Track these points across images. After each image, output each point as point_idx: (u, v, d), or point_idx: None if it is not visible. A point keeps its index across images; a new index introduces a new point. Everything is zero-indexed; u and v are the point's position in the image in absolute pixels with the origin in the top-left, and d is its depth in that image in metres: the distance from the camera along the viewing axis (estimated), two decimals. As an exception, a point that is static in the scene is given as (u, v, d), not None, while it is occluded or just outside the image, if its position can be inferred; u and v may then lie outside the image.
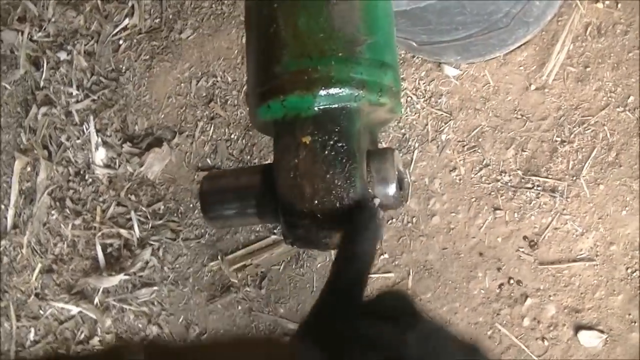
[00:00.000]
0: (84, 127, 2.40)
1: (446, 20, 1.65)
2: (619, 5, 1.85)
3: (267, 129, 0.86)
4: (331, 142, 0.77)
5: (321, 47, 0.79)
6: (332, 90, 0.78)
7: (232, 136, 2.24)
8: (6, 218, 2.49)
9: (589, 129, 1.85)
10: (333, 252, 1.96)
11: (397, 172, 0.81)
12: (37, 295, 2.41)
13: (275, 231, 2.15)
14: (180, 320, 2.23)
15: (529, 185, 1.88)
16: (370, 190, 0.79)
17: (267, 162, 0.87)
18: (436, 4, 1.51)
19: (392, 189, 0.80)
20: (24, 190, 2.47)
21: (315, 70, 0.78)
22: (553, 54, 1.88)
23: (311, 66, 0.78)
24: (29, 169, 2.49)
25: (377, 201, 0.80)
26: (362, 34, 0.82)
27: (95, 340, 2.31)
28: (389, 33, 0.86)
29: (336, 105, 0.79)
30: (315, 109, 0.78)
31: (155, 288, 2.27)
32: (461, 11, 1.60)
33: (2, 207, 2.50)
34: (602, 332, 1.79)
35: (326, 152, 0.77)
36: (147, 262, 2.27)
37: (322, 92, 0.78)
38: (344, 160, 0.77)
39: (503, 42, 1.87)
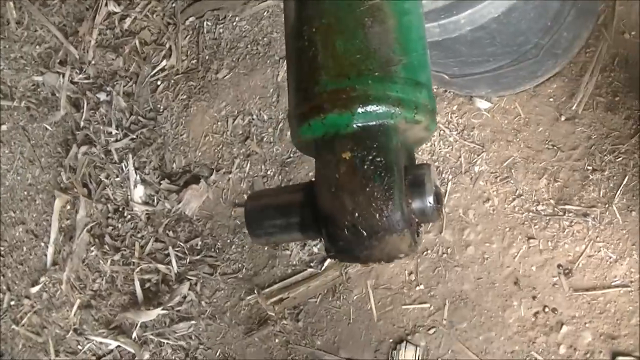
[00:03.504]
0: (122, 165, 2.49)
1: (477, 52, 1.72)
2: (646, 36, 1.91)
3: (308, 148, 0.91)
4: (370, 157, 0.81)
5: (358, 67, 0.84)
6: (370, 108, 0.83)
7: (269, 172, 2.32)
8: (46, 255, 2.56)
9: (619, 157, 1.90)
10: (369, 286, 2.02)
11: (434, 186, 0.85)
12: (75, 330, 2.48)
13: (312, 264, 2.21)
14: (218, 354, 2.29)
15: (562, 214, 1.93)
16: (408, 203, 0.83)
17: (307, 181, 0.88)
18: (467, 34, 1.57)
19: (429, 202, 0.84)
20: (64, 227, 2.56)
21: (353, 89, 0.83)
22: (582, 84, 1.95)
23: (349, 85, 0.83)
24: (68, 207, 2.59)
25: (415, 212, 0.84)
26: (397, 54, 0.87)
27: None
28: (422, 54, 0.92)
29: (374, 123, 0.84)
30: (354, 126, 0.83)
31: (193, 322, 2.33)
32: (492, 42, 1.66)
33: (42, 244, 2.58)
34: (639, 358, 1.80)
35: (365, 167, 0.81)
36: (184, 297, 2.33)
37: (360, 110, 0.83)
38: (382, 174, 0.81)
39: (533, 73, 1.93)
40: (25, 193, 2.72)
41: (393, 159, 0.83)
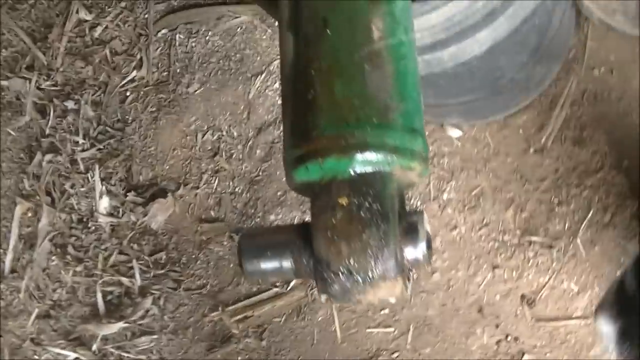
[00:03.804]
0: (88, 175, 2.48)
1: (456, 85, 1.76)
2: (614, 73, 1.97)
3: (303, 189, 0.92)
4: (366, 204, 0.82)
5: (357, 114, 0.85)
6: (368, 155, 0.84)
7: (237, 189, 2.33)
8: (4, 262, 2.51)
9: (585, 191, 1.96)
10: (334, 308, 2.04)
11: (426, 233, 0.86)
12: (32, 340, 2.45)
13: (277, 284, 2.21)
14: None
15: (527, 245, 1.97)
16: (402, 250, 0.85)
17: (303, 222, 0.89)
18: (449, 70, 1.61)
19: (422, 248, 0.85)
20: (24, 235, 2.53)
21: (352, 135, 0.84)
22: (552, 118, 2.00)
23: (348, 131, 0.84)
24: (29, 214, 2.55)
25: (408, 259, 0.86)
26: (394, 101, 0.88)
27: None
28: (417, 100, 0.93)
29: (371, 169, 0.85)
30: (351, 172, 0.84)
31: (155, 337, 2.32)
32: (471, 77, 1.71)
33: (1, 251, 2.53)
34: None
35: (362, 213, 0.82)
36: (147, 311, 2.32)
37: (359, 157, 0.83)
38: (379, 222, 0.82)
39: (505, 105, 1.98)
40: (-16, 198, 2.65)
41: (389, 206, 0.84)
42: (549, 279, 1.97)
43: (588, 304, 1.93)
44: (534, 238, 1.99)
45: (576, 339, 1.93)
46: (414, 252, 0.85)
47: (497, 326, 1.99)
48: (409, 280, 0.87)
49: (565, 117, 2.00)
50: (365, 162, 0.84)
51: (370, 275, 0.82)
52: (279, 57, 2.32)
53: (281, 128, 2.28)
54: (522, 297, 1.99)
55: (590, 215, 1.95)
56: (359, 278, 0.82)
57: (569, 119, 2.00)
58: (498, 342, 1.98)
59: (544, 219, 1.99)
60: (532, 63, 1.83)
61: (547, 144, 2.03)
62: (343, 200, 0.83)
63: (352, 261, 0.81)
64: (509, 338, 1.97)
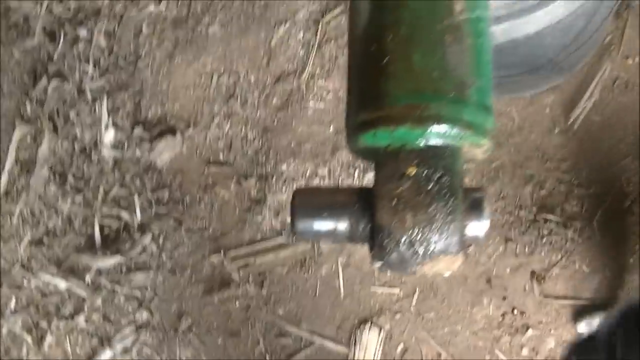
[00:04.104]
0: (95, 105, 2.29)
1: (496, 60, 1.57)
2: (648, 64, 1.83)
3: (363, 153, 0.84)
4: (436, 177, 0.75)
5: (435, 86, 0.77)
6: (442, 129, 0.76)
7: (249, 135, 2.15)
8: (-2, 185, 2.27)
9: (606, 176, 1.84)
10: (339, 263, 1.86)
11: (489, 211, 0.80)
12: (22, 265, 2.25)
13: (283, 233, 2.02)
14: (173, 309, 2.15)
15: (543, 222, 1.83)
16: (465, 226, 0.77)
17: (363, 186, 0.80)
18: (496, 44, 1.43)
19: (485, 226, 0.77)
20: (22, 160, 2.33)
21: (427, 107, 0.76)
22: (581, 101, 1.89)
23: (424, 102, 0.76)
24: (29, 139, 2.33)
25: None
26: (471, 76, 0.79)
27: (80, 318, 2.17)
28: (490, 79, 0.85)
29: (441, 142, 0.77)
30: (422, 143, 0.76)
31: (151, 274, 2.20)
32: (514, 53, 1.63)
33: (-5, 173, 2.29)
34: None
35: (430, 186, 0.75)
36: (145, 248, 2.18)
37: (433, 129, 0.76)
38: (447, 196, 0.74)
39: (536, 84, 1.84)
40: (-18, 117, 2.40)
41: (458, 181, 0.77)
42: (561, 258, 1.87)
43: (598, 287, 1.85)
44: (550, 216, 1.87)
45: None
46: (476, 229, 0.77)
47: (504, 298, 1.89)
48: (465, 256, 0.79)
49: (594, 102, 1.85)
50: (438, 134, 0.76)
51: (432, 249, 0.75)
52: (304, 7, 2.12)
53: (302, 78, 2.11)
54: (532, 273, 1.89)
55: (608, 200, 1.81)
56: (420, 250, 0.74)
57: (598, 104, 1.87)
58: (503, 314, 1.87)
59: (562, 198, 1.87)
60: (574, 47, 1.71)
61: (573, 126, 1.94)
62: (411, 171, 0.75)
63: (415, 233, 0.74)
64: (515, 311, 1.87)
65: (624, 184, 1.85)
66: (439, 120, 0.76)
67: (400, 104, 0.77)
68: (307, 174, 2.10)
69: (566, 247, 1.86)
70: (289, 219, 1.98)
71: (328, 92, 2.14)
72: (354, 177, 2.06)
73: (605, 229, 1.85)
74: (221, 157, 2.20)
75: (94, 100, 2.30)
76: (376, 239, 0.77)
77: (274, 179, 2.12)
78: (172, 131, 2.23)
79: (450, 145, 0.77)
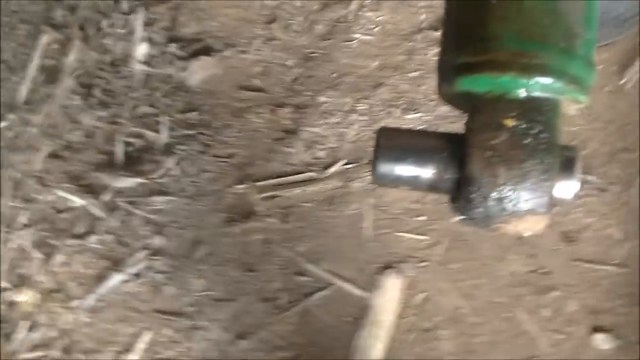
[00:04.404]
0: (131, 17, 2.76)
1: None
2: None
3: (456, 98, 0.99)
4: (534, 131, 0.88)
5: (545, 33, 0.90)
6: (547, 80, 0.89)
7: (288, 62, 2.62)
8: (18, 91, 2.79)
9: None
10: (369, 202, 2.31)
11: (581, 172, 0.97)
12: (37, 178, 2.73)
13: (313, 168, 2.53)
14: (190, 236, 2.61)
15: (581, 183, 2.28)
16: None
17: (452, 133, 0.97)
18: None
19: (575, 188, 0.96)
20: (46, 67, 2.80)
21: (535, 55, 0.89)
22: (637, 61, 2.31)
23: (532, 50, 0.89)
24: (55, 46, 2.80)
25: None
26: (581, 27, 0.92)
27: (93, 238, 2.65)
28: (595, 33, 0.97)
29: (543, 95, 0.90)
30: (524, 94, 0.90)
31: (172, 198, 2.63)
32: None
33: (17, 79, 2.81)
34: (616, 337, 2.24)
35: (528, 140, 0.88)
36: (168, 170, 2.63)
37: (537, 80, 0.89)
38: (544, 153, 0.88)
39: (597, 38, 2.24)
40: (7, 19, 2.90)
41: (556, 139, 0.90)
42: (595, 221, 2.31)
43: (628, 254, 2.28)
44: (589, 177, 2.32)
45: (608, 285, 2.28)
46: (565, 190, 0.94)
47: (531, 256, 2.34)
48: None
49: (651, 64, 2.26)
50: (541, 86, 0.90)
51: (522, 207, 0.89)
52: None
53: (350, 8, 2.56)
54: (563, 233, 2.32)
55: None
56: (509, 207, 0.88)
57: None
58: (529, 272, 2.33)
59: (604, 160, 2.33)
60: None
61: (625, 86, 2.36)
62: (510, 122, 0.88)
63: (507, 188, 0.88)
64: (540, 271, 2.32)
65: (668, 153, 2.24)
66: (545, 71, 0.88)
67: (507, 49, 0.89)
68: (346, 109, 2.57)
69: (601, 210, 2.32)
70: (320, 153, 2.51)
71: (376, 25, 2.60)
72: (394, 116, 2.51)
73: (643, 197, 2.24)
74: (256, 82, 2.66)
75: (130, 11, 2.76)
76: (463, 191, 0.90)
77: (310, 110, 2.58)
78: (207, 51, 2.69)
79: (552, 99, 0.90)
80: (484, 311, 2.33)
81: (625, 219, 2.32)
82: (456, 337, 2.33)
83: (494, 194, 0.88)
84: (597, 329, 2.29)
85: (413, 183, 0.96)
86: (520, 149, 0.88)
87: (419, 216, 2.42)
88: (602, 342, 2.27)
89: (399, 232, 2.44)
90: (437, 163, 0.94)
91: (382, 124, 2.48)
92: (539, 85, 0.90)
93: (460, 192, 0.91)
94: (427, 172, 0.94)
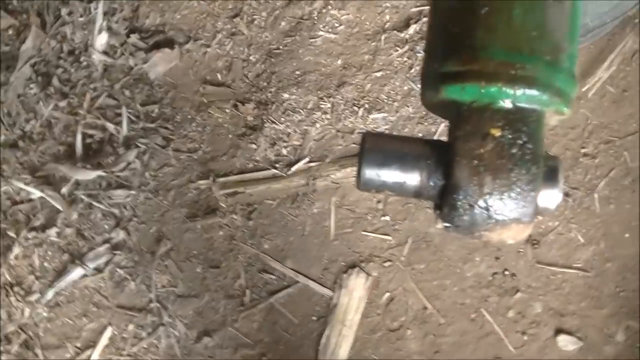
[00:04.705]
0: (91, 6, 2.55)
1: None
2: (671, 42, 2.16)
3: (440, 106, 0.94)
4: (520, 142, 0.84)
5: (532, 46, 0.86)
6: (534, 92, 0.85)
7: (251, 58, 2.45)
8: (-30, 77, 2.56)
9: (612, 149, 2.20)
10: (332, 203, 2.15)
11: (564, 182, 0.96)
12: None
13: (277, 166, 2.36)
14: (152, 230, 2.45)
15: (545, 187, 2.14)
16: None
17: (437, 140, 0.92)
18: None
19: (558, 198, 0.89)
20: (1, 54, 2.53)
21: (523, 67, 0.85)
22: (599, 70, 2.20)
23: (520, 62, 0.85)
24: (11, 32, 2.59)
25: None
26: (565, 41, 0.89)
27: (52, 231, 2.47)
28: (577, 46, 0.95)
29: (529, 106, 0.86)
30: (510, 104, 0.85)
31: (132, 192, 2.49)
32: None
33: (-31, 64, 2.56)
34: (579, 339, 2.21)
35: (514, 150, 0.84)
36: (129, 164, 2.48)
37: (524, 91, 0.85)
38: (530, 163, 0.84)
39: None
40: (-41, 0, 2.66)
41: (540, 149, 0.87)
42: (558, 225, 2.22)
43: (590, 258, 2.23)
44: None
45: (571, 288, 2.25)
46: (548, 199, 0.88)
47: (496, 258, 2.26)
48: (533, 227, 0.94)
49: (611, 73, 2.17)
50: (527, 97, 0.85)
51: (507, 216, 0.85)
52: None
53: (315, 5, 2.36)
54: (528, 236, 2.16)
55: (612, 173, 2.19)
56: (494, 216, 0.85)
57: (615, 75, 2.22)
58: (494, 274, 2.23)
59: (567, 166, 2.27)
60: (609, 16, 1.99)
61: (587, 94, 2.31)
62: (496, 131, 0.84)
63: (493, 197, 0.84)
64: (506, 272, 2.23)
65: (628, 159, 2.22)
66: (532, 83, 0.84)
67: (495, 60, 0.85)
68: (309, 106, 2.42)
69: (565, 214, 2.24)
70: (283, 150, 2.30)
71: (341, 23, 2.46)
72: (357, 115, 2.38)
73: (606, 202, 2.22)
74: (219, 77, 2.52)
75: (90, 0, 2.57)
76: (448, 199, 0.86)
77: (273, 107, 2.45)
78: (169, 43, 2.53)
79: (537, 110, 0.86)
80: (450, 312, 2.25)
81: (587, 223, 2.27)
82: (422, 337, 2.23)
83: (480, 203, 0.84)
84: (561, 331, 2.25)
85: (398, 189, 0.92)
86: (507, 158, 0.84)
87: (383, 216, 2.30)
88: (566, 343, 2.23)
89: (364, 231, 2.28)
90: (422, 170, 0.89)
91: (346, 122, 2.29)
92: (526, 97, 0.85)
93: (445, 199, 0.87)
94: (412, 179, 0.90)
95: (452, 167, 0.85)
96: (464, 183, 0.84)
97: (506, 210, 0.84)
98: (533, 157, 0.85)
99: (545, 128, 0.92)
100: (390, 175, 0.90)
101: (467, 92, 0.86)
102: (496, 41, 0.86)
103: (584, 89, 2.27)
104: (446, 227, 0.89)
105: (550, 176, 0.88)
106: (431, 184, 0.89)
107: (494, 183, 0.83)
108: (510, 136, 0.84)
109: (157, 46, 2.53)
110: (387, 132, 2.37)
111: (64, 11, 2.58)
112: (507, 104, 0.85)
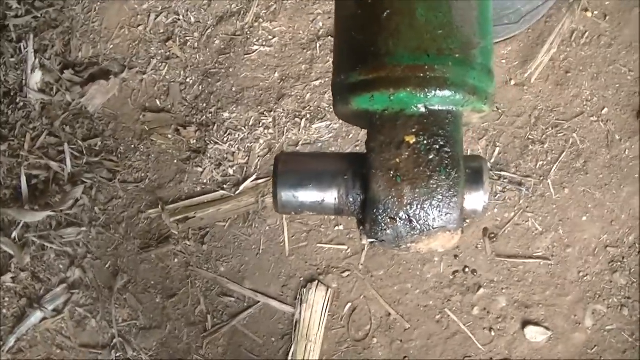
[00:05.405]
0: (21, 45, 2.42)
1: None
2: (607, 18, 2.03)
3: (355, 117, 0.89)
4: (437, 147, 0.80)
5: (439, 45, 0.81)
6: (446, 93, 0.81)
7: (188, 80, 2.33)
8: None
9: (561, 133, 2.07)
10: (285, 218, 2.03)
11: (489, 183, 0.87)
12: None
13: (224, 186, 2.26)
14: (107, 265, 2.35)
15: (497, 179, 2.04)
16: (464, 200, 0.83)
17: (354, 153, 0.89)
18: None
19: (484, 200, 0.85)
20: None
21: (432, 68, 0.80)
22: (539, 54, 2.11)
23: (428, 63, 0.80)
24: None
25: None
26: (476, 36, 0.85)
27: (7, 277, 2.34)
28: (491, 39, 0.90)
29: (443, 108, 0.82)
30: (423, 108, 0.81)
31: (83, 229, 2.37)
32: None
33: None
34: (547, 329, 2.08)
35: (431, 156, 0.80)
36: (77, 200, 2.35)
37: (436, 93, 0.80)
38: (449, 168, 0.80)
39: (495, 34, 1.99)
40: None
41: (460, 151, 0.82)
42: (514, 216, 2.12)
43: (550, 245, 2.11)
44: (504, 173, 2.11)
45: (534, 278, 2.13)
46: (474, 202, 0.84)
47: (455, 257, 2.16)
48: (462, 232, 0.87)
49: (552, 55, 2.06)
50: (440, 99, 0.81)
51: (431, 225, 0.80)
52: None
53: (246, 20, 2.24)
54: (485, 230, 2.13)
55: (563, 157, 2.08)
56: (418, 227, 0.80)
57: (556, 58, 2.12)
58: (455, 272, 2.12)
59: (517, 154, 2.12)
60: None
61: (529, 79, 2.20)
62: (411, 138, 0.80)
63: (414, 208, 0.79)
64: (466, 270, 2.11)
65: (578, 141, 2.08)
66: (443, 84, 0.80)
67: (401, 64, 0.80)
68: (251, 123, 2.27)
69: (520, 204, 2.11)
70: (230, 170, 2.17)
71: (274, 36, 2.32)
72: (300, 126, 2.24)
73: (560, 187, 2.09)
74: (158, 103, 2.39)
75: (19, 39, 2.45)
76: (369, 214, 0.81)
77: (215, 128, 2.32)
78: (105, 74, 2.39)
79: (453, 111, 0.82)
80: (414, 316, 2.13)
81: (543, 210, 2.15)
82: (389, 344, 2.12)
83: (402, 215, 0.79)
84: (528, 323, 2.11)
85: (318, 208, 0.86)
86: (424, 165, 0.79)
87: (337, 226, 2.18)
88: (535, 334, 2.10)
89: (319, 243, 2.16)
90: (340, 186, 0.84)
91: (290, 135, 2.16)
92: (438, 99, 0.80)
93: (366, 214, 0.82)
94: (330, 196, 0.85)
95: (369, 181, 0.81)
96: (382, 196, 0.80)
97: (430, 220, 0.80)
98: (452, 161, 0.80)
99: (464, 129, 0.88)
100: (307, 195, 0.86)
101: (377, 101, 0.82)
102: (401, 45, 0.81)
103: (526, 75, 2.14)
104: (371, 242, 0.84)
105: (474, 178, 0.84)
106: (351, 199, 0.84)
107: (413, 193, 0.79)
108: (426, 142, 0.79)
109: (92, 78, 2.39)
110: (317, 148, 2.25)
111: (-6, 53, 2.45)
112: (419, 108, 0.80)
